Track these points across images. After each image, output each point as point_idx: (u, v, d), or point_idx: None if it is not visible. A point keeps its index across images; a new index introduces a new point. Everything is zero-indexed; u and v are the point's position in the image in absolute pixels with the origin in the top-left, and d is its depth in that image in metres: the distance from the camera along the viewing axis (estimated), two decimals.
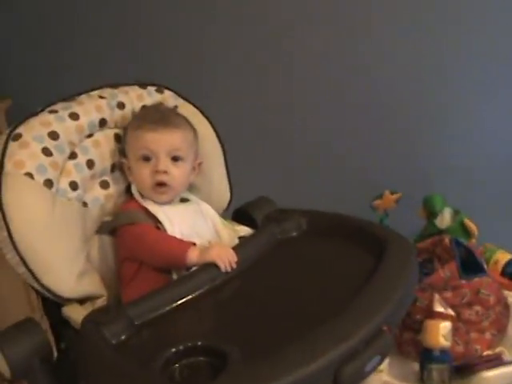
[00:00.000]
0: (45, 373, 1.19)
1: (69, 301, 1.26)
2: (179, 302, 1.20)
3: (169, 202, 1.38)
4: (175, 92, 1.50)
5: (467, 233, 1.90)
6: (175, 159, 1.37)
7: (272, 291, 1.24)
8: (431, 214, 1.92)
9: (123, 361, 1.07)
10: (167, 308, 1.19)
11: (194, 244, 1.29)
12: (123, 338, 1.13)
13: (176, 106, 1.48)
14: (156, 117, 1.38)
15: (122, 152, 1.41)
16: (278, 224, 1.40)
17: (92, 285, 1.28)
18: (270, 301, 1.21)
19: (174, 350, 1.06)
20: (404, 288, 1.17)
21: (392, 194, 1.93)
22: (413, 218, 1.98)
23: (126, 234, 1.31)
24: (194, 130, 1.43)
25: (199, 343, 1.08)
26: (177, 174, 1.36)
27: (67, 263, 1.24)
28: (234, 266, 1.24)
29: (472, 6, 2.06)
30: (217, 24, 2.26)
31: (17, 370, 1.16)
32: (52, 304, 1.27)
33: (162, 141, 1.35)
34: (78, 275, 1.25)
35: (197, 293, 1.22)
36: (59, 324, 1.27)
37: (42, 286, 1.22)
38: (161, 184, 1.35)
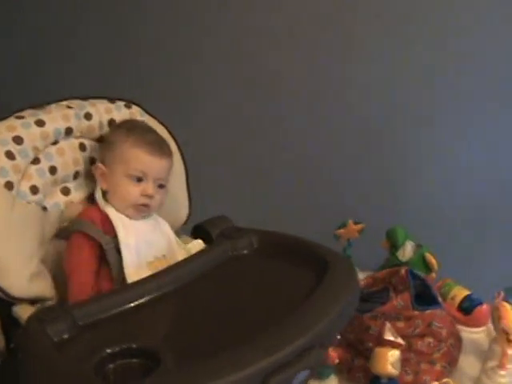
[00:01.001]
0: None
1: (20, 301, 1.29)
2: (123, 308, 1.24)
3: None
4: (142, 108, 1.55)
5: (428, 267, 1.93)
6: (160, 186, 1.44)
7: (213, 303, 1.29)
8: (393, 246, 1.96)
9: (61, 358, 1.10)
10: (111, 312, 1.22)
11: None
12: (65, 336, 1.16)
13: (143, 121, 1.53)
14: (151, 138, 1.45)
15: (93, 159, 1.48)
16: (230, 241, 1.44)
17: (43, 287, 1.32)
18: (209, 312, 1.26)
19: (109, 350, 1.10)
20: (340, 308, 1.21)
21: (355, 224, 1.96)
22: (378, 249, 2.01)
23: (69, 240, 1.36)
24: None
25: (134, 345, 1.12)
26: (158, 199, 1.44)
27: (21, 264, 1.28)
28: None
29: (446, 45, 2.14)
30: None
31: None
32: (3, 303, 1.31)
33: (155, 168, 1.42)
34: (30, 276, 1.29)
35: (141, 300, 1.25)
36: (10, 324, 1.30)
37: None
38: (145, 205, 1.41)
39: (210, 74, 2.37)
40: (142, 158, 1.40)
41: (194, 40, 2.35)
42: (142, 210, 1.42)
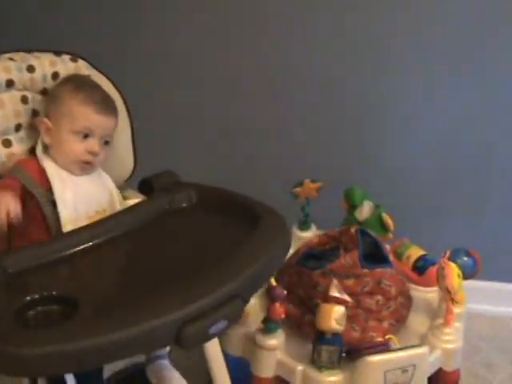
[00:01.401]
0: None
1: None
2: (53, 257, 1.26)
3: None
4: (89, 62, 1.55)
5: (384, 227, 1.94)
6: (105, 143, 1.46)
7: (141, 254, 1.32)
8: (351, 206, 1.97)
9: None
10: (40, 261, 1.25)
11: None
12: None
13: (89, 76, 1.54)
14: (99, 96, 1.46)
15: (36, 112, 1.48)
16: (169, 194, 1.46)
17: None
18: (136, 263, 1.30)
19: (29, 298, 1.13)
20: (262, 262, 1.23)
21: (313, 182, 1.97)
22: (338, 208, 2.03)
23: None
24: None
25: (54, 293, 1.15)
26: (102, 156, 1.46)
27: None
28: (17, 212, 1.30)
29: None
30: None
31: None
32: None
33: (102, 125, 1.43)
34: None
35: (72, 250, 1.28)
36: None
37: None
38: (88, 162, 1.43)
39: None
40: (89, 116, 1.42)
41: None
42: (84, 168, 1.44)
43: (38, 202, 1.37)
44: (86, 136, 1.42)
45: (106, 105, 1.45)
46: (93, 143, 1.42)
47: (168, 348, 1.52)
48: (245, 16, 2.24)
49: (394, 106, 2.23)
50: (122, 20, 2.31)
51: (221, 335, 1.71)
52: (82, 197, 1.41)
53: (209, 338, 1.14)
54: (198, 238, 1.36)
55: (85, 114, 1.41)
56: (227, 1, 2.25)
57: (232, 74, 2.31)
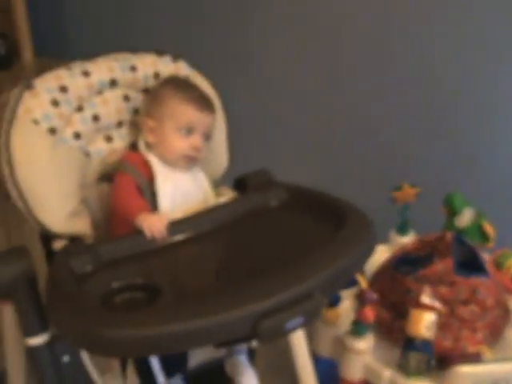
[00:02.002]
0: (28, 295, 1.33)
1: (59, 236, 1.40)
2: (144, 248, 1.32)
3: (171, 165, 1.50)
4: (188, 63, 1.61)
5: (484, 236, 1.89)
6: (206, 138, 1.51)
7: (227, 250, 1.38)
8: (451, 212, 1.94)
9: (76, 289, 1.21)
10: (132, 251, 1.32)
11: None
12: (87, 270, 1.26)
13: (188, 76, 1.60)
14: (198, 94, 1.52)
15: (136, 110, 1.56)
16: (260, 193, 1.49)
17: (81, 225, 1.42)
18: (221, 257, 1.36)
19: (116, 285, 1.20)
20: (344, 261, 1.24)
21: (412, 187, 1.95)
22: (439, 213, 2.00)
23: (114, 180, 1.45)
24: None
25: (139, 281, 1.21)
26: (204, 151, 1.51)
27: (59, 201, 1.38)
28: (162, 235, 1.34)
29: None
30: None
31: (1, 287, 1.31)
32: (47, 238, 1.43)
33: (202, 121, 1.49)
34: (68, 214, 1.39)
35: (163, 243, 1.34)
36: (51, 256, 1.42)
37: (35, 218, 1.37)
38: (192, 157, 1.49)
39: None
40: (190, 113, 1.47)
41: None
42: (189, 162, 1.49)
43: (141, 192, 1.43)
44: (188, 132, 1.47)
45: (204, 102, 1.51)
46: (196, 139, 1.48)
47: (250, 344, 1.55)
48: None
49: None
50: (225, 22, 2.38)
51: (311, 335, 1.73)
52: (180, 192, 1.46)
53: (285, 332, 1.16)
54: (284, 235, 1.38)
55: (186, 112, 1.47)
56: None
57: (331, 80, 2.32)
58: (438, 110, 2.24)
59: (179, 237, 1.36)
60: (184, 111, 1.47)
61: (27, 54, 2.39)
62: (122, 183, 1.44)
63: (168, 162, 1.48)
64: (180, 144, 1.47)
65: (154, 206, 1.44)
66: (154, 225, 1.34)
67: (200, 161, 1.52)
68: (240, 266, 1.28)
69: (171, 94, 1.49)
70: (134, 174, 1.44)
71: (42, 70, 1.49)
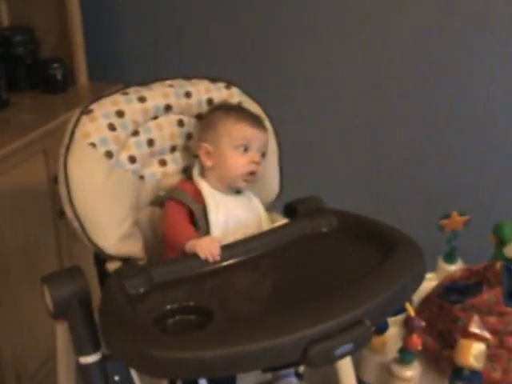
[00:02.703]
0: (82, 315, 1.37)
1: (112, 258, 1.44)
2: (196, 271, 1.35)
3: (224, 191, 1.52)
4: (241, 89, 1.64)
5: None
6: (262, 155, 1.53)
7: (278, 275, 1.38)
8: (500, 241, 1.92)
9: (130, 310, 1.23)
10: (185, 274, 1.34)
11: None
12: (140, 291, 1.29)
13: (240, 102, 1.63)
14: (248, 115, 1.55)
15: (190, 135, 1.59)
16: (310, 219, 1.50)
17: (134, 247, 1.45)
18: (272, 282, 1.37)
19: (169, 307, 1.22)
20: (394, 289, 1.24)
21: (460, 215, 1.95)
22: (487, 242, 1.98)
23: (166, 207, 1.49)
24: None
25: (192, 304, 1.23)
26: (261, 167, 1.53)
27: (113, 224, 1.42)
28: (216, 258, 1.36)
29: None
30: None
31: (58, 306, 1.34)
32: (101, 260, 1.47)
33: (257, 137, 1.51)
34: (121, 236, 1.42)
35: (214, 266, 1.36)
36: (103, 277, 1.45)
37: (90, 240, 1.41)
38: (252, 173, 1.51)
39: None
40: (245, 129, 1.50)
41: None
42: (249, 180, 1.51)
43: (194, 216, 1.46)
44: (245, 150, 1.49)
45: (257, 120, 1.54)
46: (253, 154, 1.50)
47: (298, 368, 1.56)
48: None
49: None
50: (265, 47, 2.43)
51: (357, 362, 1.73)
52: (233, 219, 1.48)
53: (334, 359, 1.17)
54: (333, 262, 1.39)
55: (240, 129, 1.50)
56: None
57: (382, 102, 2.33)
58: (487, 139, 2.23)
59: (231, 260, 1.38)
60: (239, 128, 1.50)
61: (82, 78, 2.44)
62: (172, 211, 1.47)
63: (228, 183, 1.50)
64: (239, 161, 1.49)
65: (207, 232, 1.46)
66: (207, 247, 1.36)
67: (258, 177, 1.53)
68: (291, 290, 1.30)
69: (224, 116, 1.53)
70: (186, 200, 1.47)
71: (96, 94, 1.54)
